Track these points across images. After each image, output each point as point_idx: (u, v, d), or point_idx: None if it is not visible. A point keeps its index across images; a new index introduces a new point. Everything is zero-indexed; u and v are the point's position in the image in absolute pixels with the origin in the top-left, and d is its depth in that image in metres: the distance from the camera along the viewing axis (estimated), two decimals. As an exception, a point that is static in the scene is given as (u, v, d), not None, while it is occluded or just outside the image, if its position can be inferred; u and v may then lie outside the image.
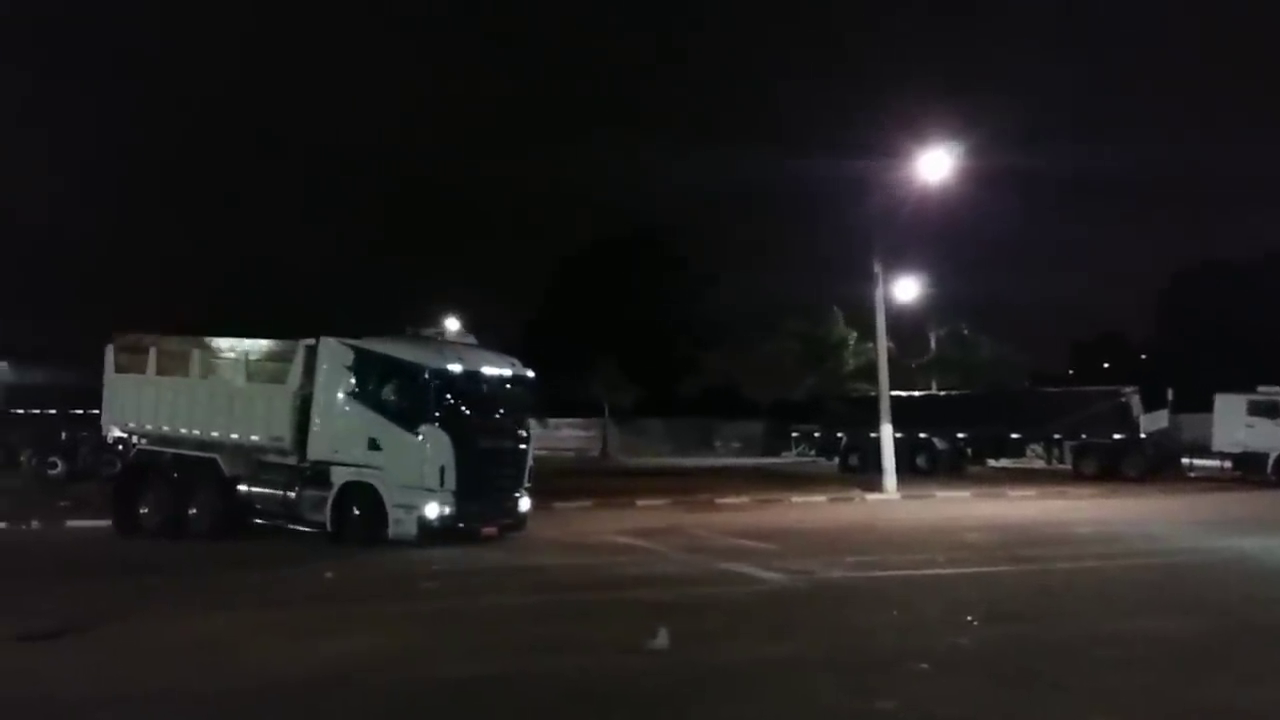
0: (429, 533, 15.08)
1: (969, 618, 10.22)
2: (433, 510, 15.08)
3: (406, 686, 7.74)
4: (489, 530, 16.05)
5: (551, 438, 52.68)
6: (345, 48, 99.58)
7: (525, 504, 16.71)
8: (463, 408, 15.66)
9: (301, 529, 16.00)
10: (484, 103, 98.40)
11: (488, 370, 16.47)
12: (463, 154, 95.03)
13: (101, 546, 16.33)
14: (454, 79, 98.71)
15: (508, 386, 16.74)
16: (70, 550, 16.38)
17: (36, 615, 10.16)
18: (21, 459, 26.62)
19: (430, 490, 15.08)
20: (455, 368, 15.72)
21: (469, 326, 43.88)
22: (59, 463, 23.63)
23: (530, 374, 17.44)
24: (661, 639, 8.94)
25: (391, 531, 15.12)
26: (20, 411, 26.60)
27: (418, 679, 7.93)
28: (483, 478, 15.69)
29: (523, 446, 16.83)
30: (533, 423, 51.44)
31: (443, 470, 15.09)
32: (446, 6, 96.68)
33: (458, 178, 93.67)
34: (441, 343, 16.78)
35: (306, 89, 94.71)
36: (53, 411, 19.38)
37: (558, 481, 27.27)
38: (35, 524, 18.55)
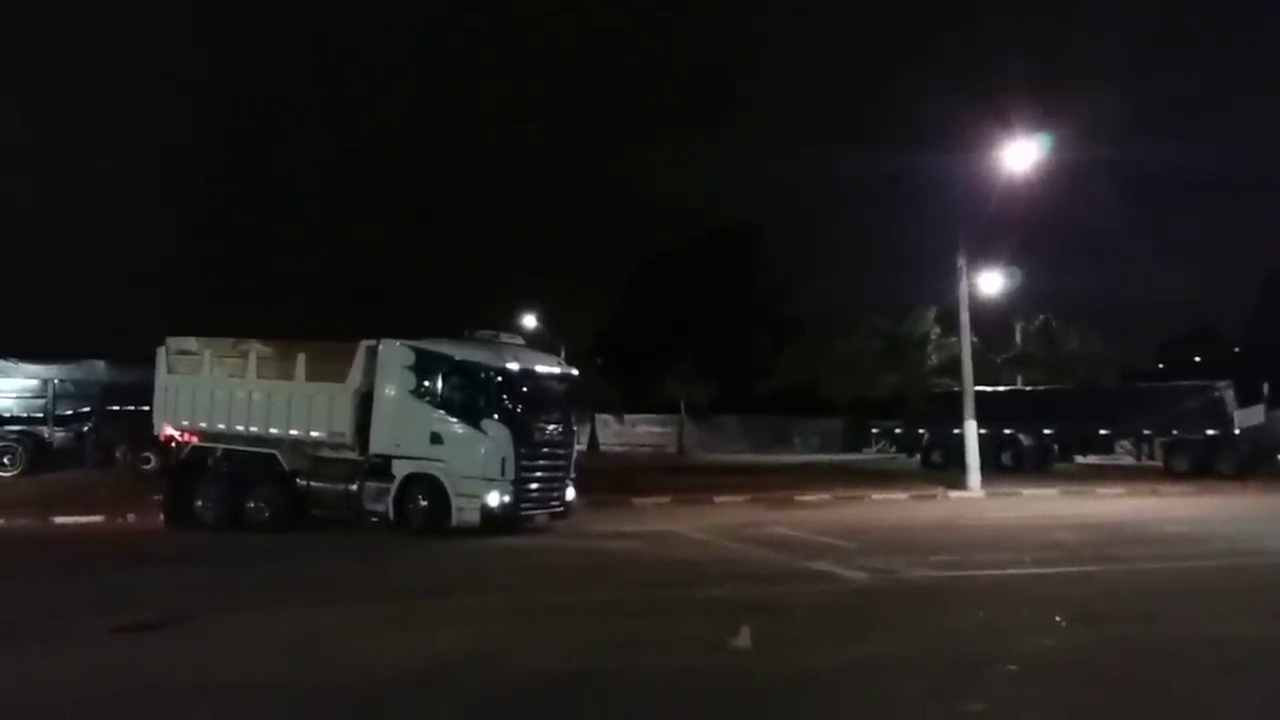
0: (491, 520, 16.12)
1: (1057, 618, 10.00)
2: (494, 499, 16.13)
3: (498, 683, 7.81)
4: (540, 517, 17.28)
5: (629, 434, 52.94)
6: (417, 40, 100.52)
7: (571, 493, 17.71)
8: (519, 403, 16.66)
9: (360, 520, 16.98)
10: (564, 100, 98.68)
11: (540, 368, 17.68)
12: (541, 151, 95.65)
13: (194, 539, 16.82)
14: (529, 76, 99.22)
15: (556, 383, 17.91)
16: (163, 542, 16.90)
17: (133, 607, 10.50)
18: (117, 455, 27.50)
19: (492, 480, 16.15)
20: (513, 366, 16.79)
21: (546, 323, 44.79)
22: (152, 458, 24.26)
23: (574, 372, 18.83)
24: (744, 638, 8.91)
25: (455, 519, 16.16)
26: (116, 408, 27.43)
27: (508, 675, 8.00)
28: (536, 468, 16.89)
29: (569, 439, 18.01)
30: (611, 418, 51.83)
31: (504, 461, 16.20)
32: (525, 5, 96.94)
33: (536, 176, 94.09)
34: (497, 344, 17.68)
35: (376, 76, 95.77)
36: (147, 408, 19.91)
37: (635, 478, 27.40)
38: (131, 518, 19.18)
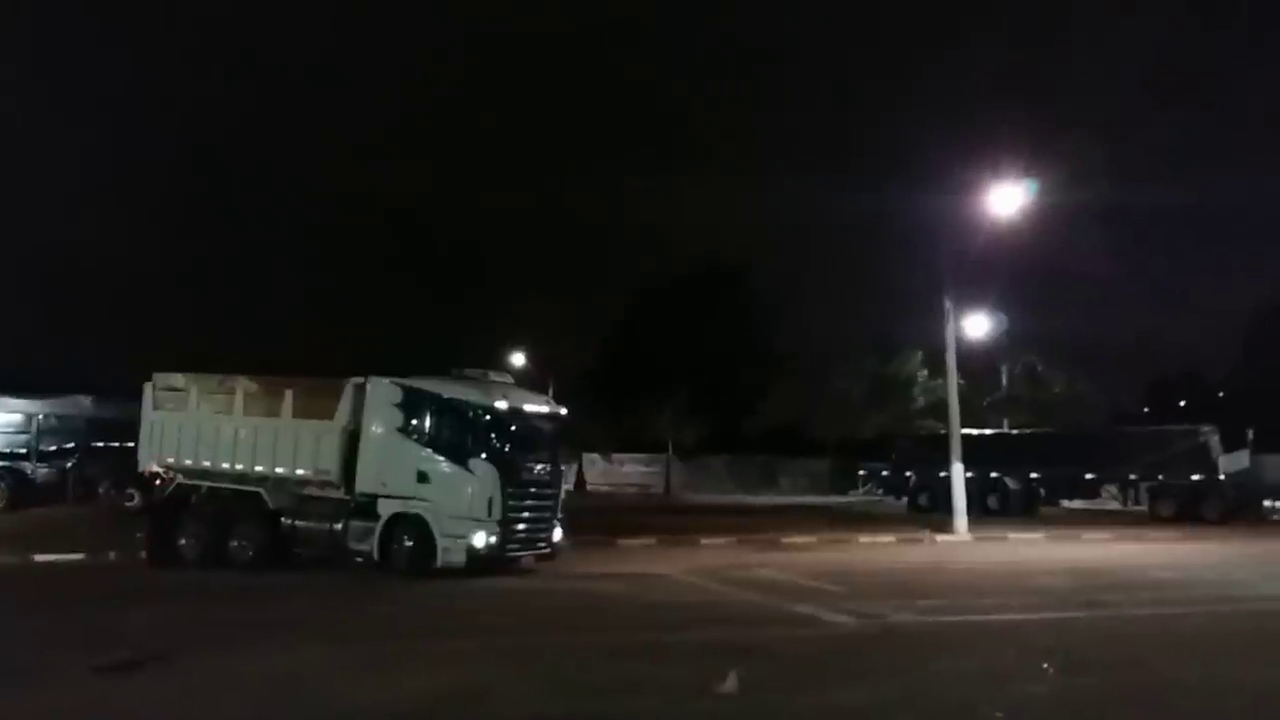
0: (476, 561, 15.95)
1: (1045, 665, 9.99)
2: (480, 539, 15.96)
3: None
4: (527, 559, 17.13)
5: (616, 474, 52.88)
6: (406, 72, 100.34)
7: (558, 534, 17.51)
8: (507, 443, 16.57)
9: (344, 559, 16.78)
10: (548, 133, 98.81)
11: (527, 407, 17.52)
12: (525, 186, 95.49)
13: (176, 578, 16.64)
14: (512, 111, 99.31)
15: (544, 423, 17.77)
16: (145, 581, 16.71)
17: (113, 646, 10.37)
18: (100, 491, 27.32)
19: (478, 520, 15.99)
20: (501, 405, 16.67)
21: (534, 360, 44.77)
22: (136, 495, 24.10)
23: (563, 411, 18.49)
24: (731, 682, 8.85)
25: (440, 560, 15.98)
26: (100, 444, 27.32)
27: (492, 718, 7.90)
28: (523, 508, 16.72)
29: (557, 479, 17.92)
30: (597, 457, 51.70)
31: (490, 501, 16.04)
32: (508, 38, 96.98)
33: (519, 212, 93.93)
34: (485, 382, 17.61)
35: (361, 103, 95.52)
36: (131, 444, 19.82)
37: (622, 518, 27.31)
38: (112, 555, 18.99)
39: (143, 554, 18.28)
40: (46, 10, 77.55)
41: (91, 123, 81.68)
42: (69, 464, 28.28)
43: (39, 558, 18.66)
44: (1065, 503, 34.73)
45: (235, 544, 17.51)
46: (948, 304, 26.94)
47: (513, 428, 16.74)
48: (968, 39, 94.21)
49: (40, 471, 28.18)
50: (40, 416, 28.55)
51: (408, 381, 16.99)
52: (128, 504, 24.80)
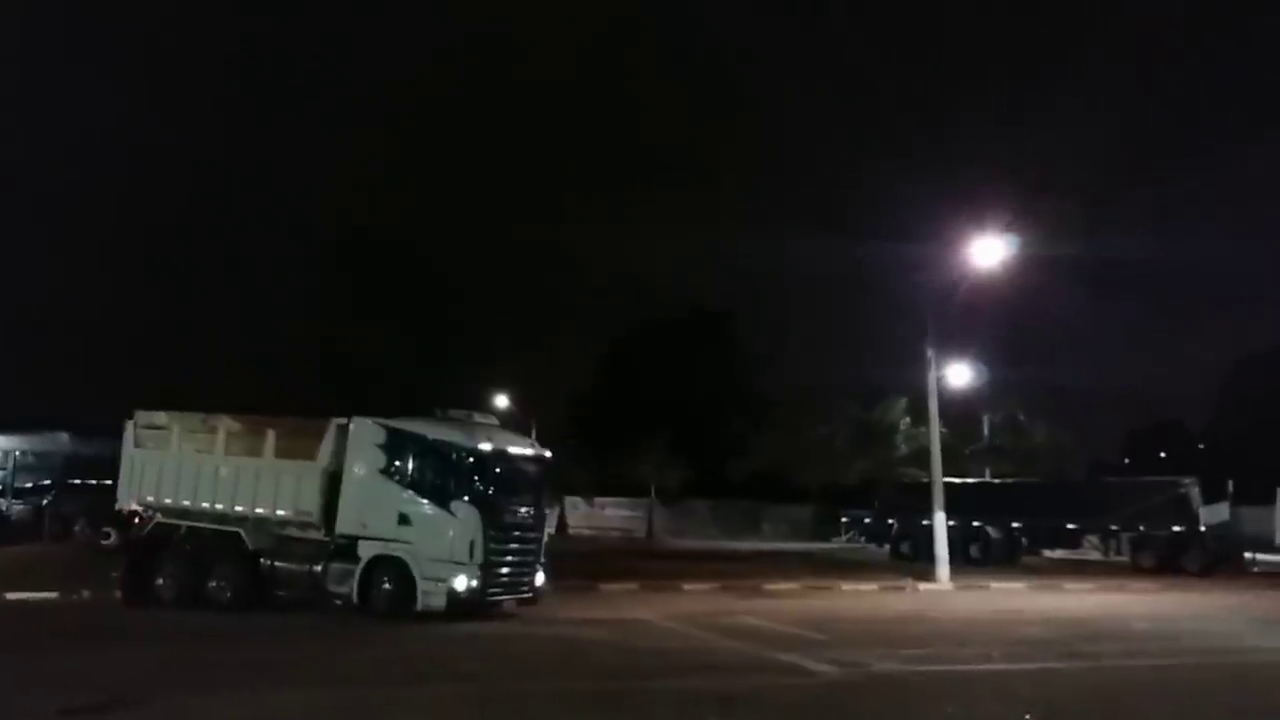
0: (457, 605, 15.75)
1: (1027, 716, 9.94)
2: (461, 583, 15.79)
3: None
4: (509, 603, 16.92)
5: (598, 518, 52.57)
6: (385, 114, 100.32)
7: (540, 578, 17.33)
8: (490, 485, 16.41)
9: (324, 601, 16.57)
10: (536, 180, 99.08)
11: (512, 449, 17.43)
12: (510, 229, 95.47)
13: (151, 618, 16.41)
14: (499, 159, 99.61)
15: (528, 465, 17.65)
16: (119, 621, 16.49)
17: (83, 688, 10.21)
18: (76, 529, 27.03)
19: (460, 563, 15.84)
20: (485, 447, 16.54)
21: (517, 400, 44.63)
22: (111, 533, 23.85)
23: (548, 454, 18.35)
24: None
25: (420, 603, 15.80)
26: (78, 482, 27.08)
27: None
28: (506, 552, 16.55)
29: (540, 522, 17.77)
30: (580, 500, 51.27)
31: (472, 544, 15.88)
32: (492, 92, 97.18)
33: (503, 254, 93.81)
34: (470, 423, 17.48)
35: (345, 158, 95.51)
36: (108, 482, 19.64)
37: (604, 562, 27.16)
38: (86, 594, 18.74)
39: (117, 593, 18.07)
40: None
41: (75, 149, 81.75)
42: (45, 501, 28.00)
43: (11, 596, 18.36)
44: (1047, 552, 34.70)
45: (214, 584, 17.26)
46: (930, 353, 27.05)
47: (496, 470, 16.58)
48: (955, 105, 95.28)
49: (15, 508, 27.95)
50: (17, 453, 28.35)
51: (391, 422, 16.89)
52: (104, 542, 24.57)
